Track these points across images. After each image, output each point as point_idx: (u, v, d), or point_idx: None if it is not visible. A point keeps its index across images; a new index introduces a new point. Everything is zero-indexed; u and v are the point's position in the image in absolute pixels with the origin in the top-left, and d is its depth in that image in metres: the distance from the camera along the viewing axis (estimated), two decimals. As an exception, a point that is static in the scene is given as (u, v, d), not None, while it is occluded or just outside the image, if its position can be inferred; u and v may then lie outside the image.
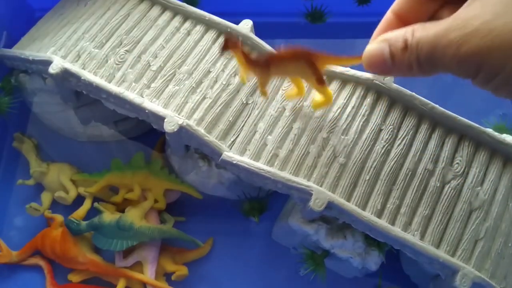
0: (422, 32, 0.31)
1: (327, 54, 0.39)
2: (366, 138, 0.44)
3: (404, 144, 0.44)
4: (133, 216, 0.48)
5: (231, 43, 0.40)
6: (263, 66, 0.41)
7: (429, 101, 0.45)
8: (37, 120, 0.58)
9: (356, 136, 0.44)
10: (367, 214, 0.41)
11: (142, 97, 0.46)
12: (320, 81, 0.41)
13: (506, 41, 0.29)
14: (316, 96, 0.44)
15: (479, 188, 0.44)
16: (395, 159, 0.44)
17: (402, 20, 0.35)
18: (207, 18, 0.50)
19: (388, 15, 0.35)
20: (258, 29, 0.51)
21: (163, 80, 0.47)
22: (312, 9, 0.63)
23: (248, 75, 0.44)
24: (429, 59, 0.31)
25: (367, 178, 0.43)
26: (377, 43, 0.33)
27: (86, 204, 0.51)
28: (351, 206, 0.41)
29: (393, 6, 0.35)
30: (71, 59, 0.49)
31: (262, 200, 0.51)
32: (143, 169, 0.51)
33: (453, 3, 0.32)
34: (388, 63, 0.33)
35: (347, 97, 0.46)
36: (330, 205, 0.41)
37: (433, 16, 0.34)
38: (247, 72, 0.42)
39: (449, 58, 0.30)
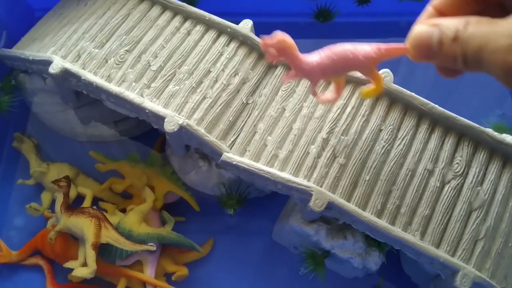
0: (475, 27, 0.30)
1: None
2: (366, 138, 0.44)
3: (404, 144, 0.44)
4: (132, 222, 0.48)
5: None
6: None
7: (428, 101, 0.45)
8: (37, 120, 0.58)
9: (356, 136, 0.44)
10: (367, 215, 0.41)
11: (142, 97, 0.46)
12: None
13: None
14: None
15: (479, 188, 0.44)
16: (395, 159, 0.44)
17: (443, 16, 0.33)
18: (207, 18, 0.50)
19: (428, 9, 0.34)
20: (258, 29, 0.51)
21: (163, 80, 0.47)
22: (319, 8, 0.63)
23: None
24: (476, 58, 0.30)
25: (367, 179, 0.43)
26: (428, 25, 0.32)
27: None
28: (351, 206, 0.41)
29: (434, 1, 0.34)
30: (71, 59, 0.49)
31: (241, 194, 0.51)
32: (156, 168, 0.52)
33: (500, 9, 0.31)
34: (434, 49, 0.32)
35: (347, 98, 0.46)
36: (330, 206, 0.41)
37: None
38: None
39: (495, 63, 0.29)
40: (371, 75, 0.38)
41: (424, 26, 0.32)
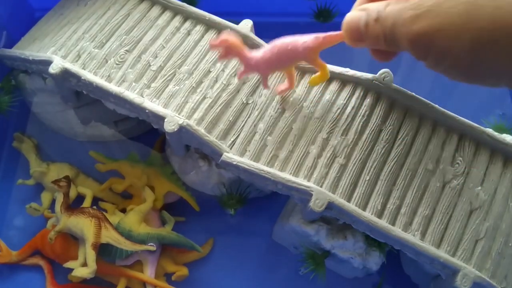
0: (392, 6, 0.32)
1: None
2: (366, 138, 0.44)
3: (404, 144, 0.44)
4: (131, 222, 0.48)
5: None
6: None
7: (429, 101, 0.45)
8: (37, 120, 0.58)
9: (356, 136, 0.44)
10: (368, 215, 0.41)
11: (142, 97, 0.46)
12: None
13: (454, 24, 0.29)
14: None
15: (479, 188, 0.44)
16: (395, 159, 0.44)
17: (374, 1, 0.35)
18: (207, 18, 0.50)
19: None
20: (258, 29, 0.51)
21: (163, 80, 0.47)
22: (319, 8, 0.63)
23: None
24: (392, 35, 0.32)
25: (367, 179, 0.43)
26: (357, 10, 0.35)
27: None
28: (352, 206, 0.41)
29: None
30: (71, 59, 0.49)
31: (241, 194, 0.51)
32: (156, 168, 0.52)
33: None
34: (361, 31, 0.34)
35: (347, 98, 0.46)
36: (330, 206, 0.41)
37: None
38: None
39: (403, 36, 0.31)
40: (314, 63, 0.40)
41: (355, 12, 0.35)
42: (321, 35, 0.38)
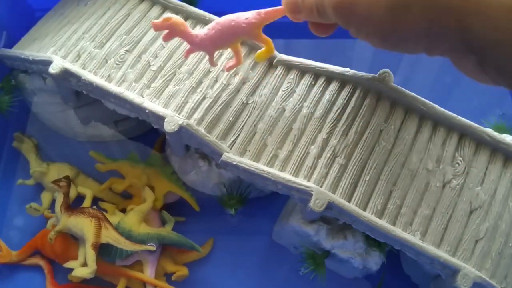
0: None
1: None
2: (366, 138, 0.44)
3: (404, 144, 0.44)
4: (131, 223, 0.48)
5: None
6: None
7: (429, 101, 0.45)
8: (37, 120, 0.58)
9: (356, 136, 0.44)
10: (368, 215, 0.41)
11: (142, 97, 0.46)
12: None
13: None
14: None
15: (479, 188, 0.44)
16: (396, 159, 0.44)
17: None
18: (207, 18, 0.50)
19: None
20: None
21: (163, 80, 0.47)
22: None
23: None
24: (321, 5, 0.34)
25: (368, 179, 0.43)
26: None
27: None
28: (352, 206, 0.41)
29: None
30: (71, 59, 0.49)
31: (242, 194, 0.51)
32: (156, 168, 0.52)
33: None
34: (298, 4, 0.36)
35: (347, 98, 0.46)
36: (331, 206, 0.41)
37: None
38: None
39: (329, 5, 0.34)
40: (259, 39, 0.41)
41: None
42: (263, 10, 0.40)
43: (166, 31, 0.41)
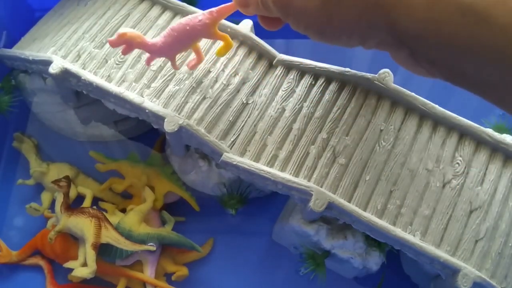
0: None
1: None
2: (366, 138, 0.44)
3: (404, 144, 0.44)
4: (131, 222, 0.48)
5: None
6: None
7: (428, 101, 0.45)
8: (37, 120, 0.58)
9: (356, 136, 0.44)
10: (368, 215, 0.41)
11: (142, 97, 0.46)
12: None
13: None
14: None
15: (479, 188, 0.44)
16: (396, 159, 0.44)
17: None
18: (207, 18, 0.50)
19: None
20: (258, 29, 0.51)
21: (163, 80, 0.47)
22: None
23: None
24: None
25: (368, 179, 0.43)
26: None
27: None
28: (352, 206, 0.41)
29: None
30: (71, 59, 0.49)
31: (242, 194, 0.51)
32: (156, 168, 0.52)
33: None
34: None
35: (347, 98, 0.46)
36: (331, 206, 0.41)
37: None
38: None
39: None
40: (215, 37, 0.42)
41: None
42: (214, 9, 0.41)
43: (123, 46, 0.42)
